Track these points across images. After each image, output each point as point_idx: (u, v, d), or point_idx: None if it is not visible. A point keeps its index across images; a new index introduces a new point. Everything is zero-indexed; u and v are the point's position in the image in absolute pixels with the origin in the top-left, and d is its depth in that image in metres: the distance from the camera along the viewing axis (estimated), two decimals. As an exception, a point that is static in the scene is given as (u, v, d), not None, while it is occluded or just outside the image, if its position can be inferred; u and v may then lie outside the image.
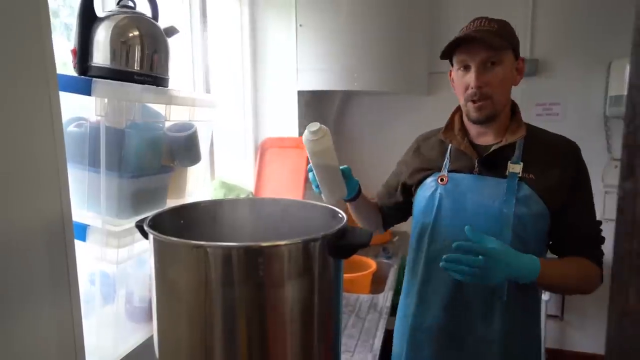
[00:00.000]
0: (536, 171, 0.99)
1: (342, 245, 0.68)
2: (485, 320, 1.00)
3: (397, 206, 1.25)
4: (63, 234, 0.77)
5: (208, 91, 1.81)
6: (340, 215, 0.77)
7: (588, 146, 2.46)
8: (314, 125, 0.98)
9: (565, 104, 2.51)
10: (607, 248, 2.65)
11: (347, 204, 1.19)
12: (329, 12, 2.12)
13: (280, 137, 2.19)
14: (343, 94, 2.65)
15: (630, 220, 0.35)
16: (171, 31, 1.07)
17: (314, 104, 2.48)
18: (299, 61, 2.15)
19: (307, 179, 2.10)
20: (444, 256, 0.87)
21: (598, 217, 2.67)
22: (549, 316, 2.57)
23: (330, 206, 0.84)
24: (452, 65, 1.07)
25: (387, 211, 1.29)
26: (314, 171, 1.05)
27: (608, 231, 2.67)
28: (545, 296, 2.45)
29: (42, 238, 0.73)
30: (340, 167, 1.07)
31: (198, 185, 1.26)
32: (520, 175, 0.98)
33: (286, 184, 2.06)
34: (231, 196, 1.78)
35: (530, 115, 2.56)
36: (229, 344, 0.63)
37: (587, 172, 1.04)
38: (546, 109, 2.54)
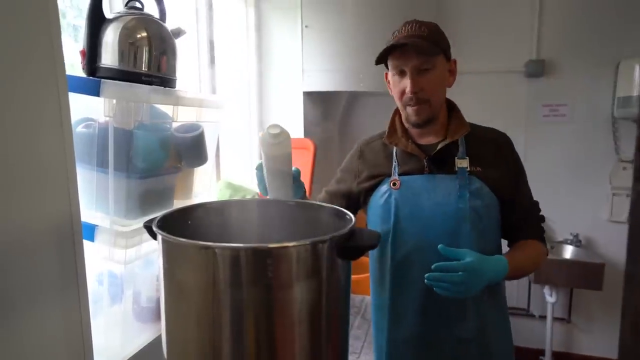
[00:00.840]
0: (481, 164, 1.02)
1: (350, 246, 0.67)
2: (460, 320, 1.02)
3: None
4: (72, 234, 0.77)
5: (214, 92, 1.82)
6: (348, 217, 0.76)
7: (595, 147, 2.48)
8: (275, 128, 0.93)
9: (573, 105, 2.50)
10: (623, 249, 2.56)
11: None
12: (335, 13, 2.12)
13: (286, 138, 2.19)
14: (349, 94, 2.65)
15: (645, 223, 0.35)
16: (179, 32, 1.07)
17: (319, 105, 2.48)
18: (305, 62, 2.15)
19: (312, 180, 2.10)
20: (427, 275, 0.89)
21: (605, 219, 2.62)
22: (555, 319, 2.55)
23: (337, 207, 0.83)
24: (387, 68, 1.08)
25: None
26: (266, 173, 1.00)
27: (617, 233, 2.63)
28: (551, 298, 2.44)
29: (51, 238, 0.73)
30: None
31: (204, 186, 1.26)
32: (468, 169, 1.01)
33: (292, 185, 2.06)
34: (237, 197, 1.79)
35: (536, 117, 2.55)
36: (237, 344, 0.63)
37: (520, 159, 1.10)
38: (553, 110, 2.53)
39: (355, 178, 1.15)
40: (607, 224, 2.48)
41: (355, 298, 1.80)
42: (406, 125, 1.09)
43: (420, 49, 0.97)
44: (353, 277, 1.97)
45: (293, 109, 2.21)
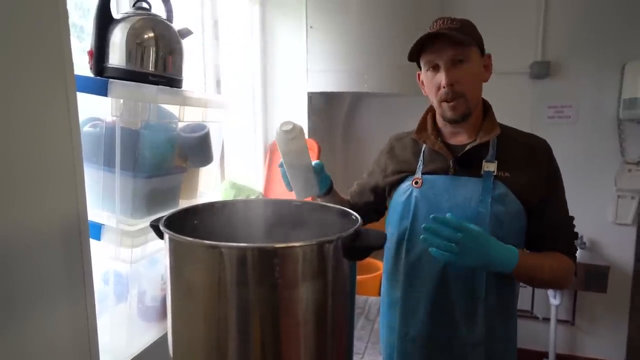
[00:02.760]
0: (511, 169, 0.99)
1: (356, 246, 0.68)
2: (468, 324, 1.00)
3: (367, 206, 1.24)
4: (79, 233, 0.78)
5: (219, 92, 1.82)
6: (354, 217, 0.77)
7: (600, 149, 2.47)
8: (288, 124, 0.95)
9: (578, 106, 2.49)
10: (628, 251, 2.55)
11: (318, 199, 1.19)
12: (339, 13, 2.12)
13: (290, 138, 2.19)
14: (353, 95, 2.65)
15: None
16: (185, 33, 1.07)
17: (323, 106, 2.48)
18: (309, 62, 2.16)
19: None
20: (423, 225, 0.86)
21: (610, 221, 2.60)
22: (559, 321, 2.54)
23: (343, 208, 0.84)
24: (419, 67, 1.06)
25: (357, 210, 1.26)
26: (287, 170, 1.02)
27: (622, 235, 2.60)
28: (555, 301, 2.43)
29: (59, 237, 0.74)
30: (313, 163, 1.05)
31: (209, 186, 1.27)
32: (495, 173, 0.98)
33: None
34: (241, 197, 1.79)
35: (541, 118, 2.54)
36: (242, 343, 0.63)
37: (558, 169, 1.05)
38: (558, 111, 2.52)
39: (382, 172, 1.16)
40: (612, 226, 2.47)
41: (359, 299, 1.80)
42: (439, 122, 1.08)
43: (453, 38, 0.94)
44: (357, 278, 1.97)
45: (297, 110, 2.21)
